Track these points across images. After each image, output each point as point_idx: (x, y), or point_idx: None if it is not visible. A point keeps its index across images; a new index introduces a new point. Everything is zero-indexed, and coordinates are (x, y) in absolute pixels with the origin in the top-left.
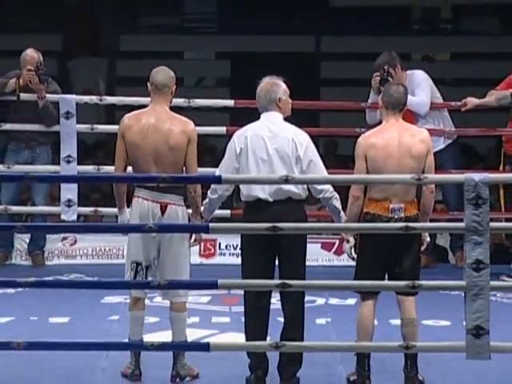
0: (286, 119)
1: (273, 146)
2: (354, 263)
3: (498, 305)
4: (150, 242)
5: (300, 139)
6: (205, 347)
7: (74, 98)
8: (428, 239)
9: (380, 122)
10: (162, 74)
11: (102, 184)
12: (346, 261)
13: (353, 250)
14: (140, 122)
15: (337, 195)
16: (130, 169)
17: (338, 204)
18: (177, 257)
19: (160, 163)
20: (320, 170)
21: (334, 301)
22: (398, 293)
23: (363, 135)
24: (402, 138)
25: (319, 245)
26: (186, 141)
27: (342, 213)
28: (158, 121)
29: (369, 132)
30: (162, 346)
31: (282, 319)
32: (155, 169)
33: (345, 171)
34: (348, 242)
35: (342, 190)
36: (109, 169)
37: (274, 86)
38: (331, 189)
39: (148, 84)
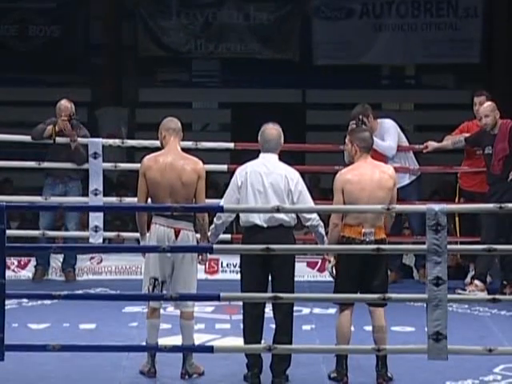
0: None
1: (268, 180)
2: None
3: (454, 314)
4: (166, 261)
5: (291, 176)
6: (209, 349)
7: (100, 141)
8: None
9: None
10: (175, 122)
11: (123, 213)
12: (327, 277)
13: (333, 268)
14: (158, 163)
15: (321, 223)
16: (149, 201)
17: (322, 230)
18: (187, 274)
19: (174, 196)
20: (308, 201)
21: (317, 310)
22: (369, 304)
23: (340, 172)
24: (374, 174)
25: (305, 263)
26: (196, 177)
27: (325, 238)
28: (173, 160)
29: (345, 169)
30: (173, 348)
31: (273, 326)
32: (170, 200)
33: (326, 202)
34: (329, 261)
35: (325, 216)
36: (129, 200)
37: (281, 134)
38: (317, 217)
39: (163, 131)
